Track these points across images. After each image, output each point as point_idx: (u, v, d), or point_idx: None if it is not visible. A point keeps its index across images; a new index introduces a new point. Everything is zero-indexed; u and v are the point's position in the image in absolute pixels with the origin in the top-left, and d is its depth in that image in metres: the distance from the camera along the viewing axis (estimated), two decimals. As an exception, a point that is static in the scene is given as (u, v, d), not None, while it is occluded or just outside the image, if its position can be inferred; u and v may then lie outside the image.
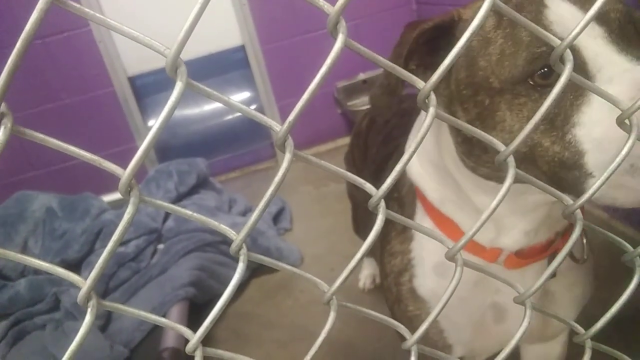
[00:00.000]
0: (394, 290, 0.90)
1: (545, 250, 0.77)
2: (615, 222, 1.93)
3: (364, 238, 1.44)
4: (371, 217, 1.17)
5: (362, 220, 1.35)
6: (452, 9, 0.67)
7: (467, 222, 0.77)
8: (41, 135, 0.34)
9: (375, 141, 1.34)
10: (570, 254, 0.78)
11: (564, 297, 0.86)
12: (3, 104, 0.32)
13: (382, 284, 0.95)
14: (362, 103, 2.98)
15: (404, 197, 0.86)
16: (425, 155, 0.79)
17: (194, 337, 0.40)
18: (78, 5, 0.34)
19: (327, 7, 0.35)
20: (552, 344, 1.04)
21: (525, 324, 0.50)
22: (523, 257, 0.77)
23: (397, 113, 1.37)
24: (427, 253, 0.84)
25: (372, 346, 1.66)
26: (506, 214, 0.71)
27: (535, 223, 0.73)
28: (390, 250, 0.89)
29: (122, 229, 0.35)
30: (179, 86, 0.34)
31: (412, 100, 1.43)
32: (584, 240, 0.78)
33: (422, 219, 0.82)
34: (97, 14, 0.35)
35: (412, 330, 0.83)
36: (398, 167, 0.41)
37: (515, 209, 0.71)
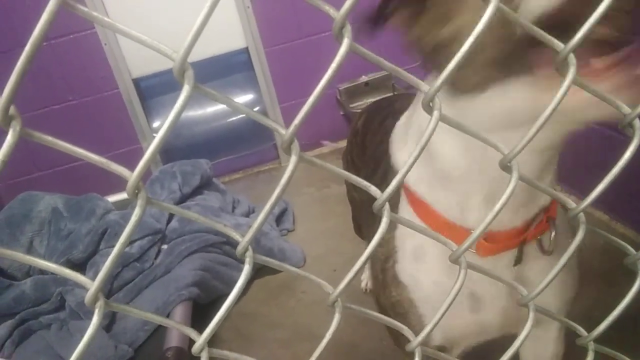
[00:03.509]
0: (380, 278, 0.91)
1: (518, 236, 0.76)
2: (616, 225, 1.92)
3: (365, 237, 1.43)
4: (371, 216, 1.17)
5: (362, 220, 1.36)
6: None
7: (440, 201, 0.75)
8: (50, 138, 0.35)
9: (373, 142, 1.35)
10: (540, 246, 0.78)
11: (539, 280, 0.86)
12: (12, 107, 0.32)
13: (371, 273, 0.96)
14: (364, 105, 2.99)
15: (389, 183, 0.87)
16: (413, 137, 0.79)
17: (200, 338, 0.40)
18: (86, 9, 0.34)
19: (332, 11, 0.36)
20: (546, 341, 1.04)
21: (528, 326, 0.51)
22: (494, 241, 0.75)
23: (390, 113, 1.39)
24: (406, 237, 0.85)
25: (375, 346, 1.66)
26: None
27: (523, 194, 0.71)
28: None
29: (130, 230, 0.35)
30: (186, 89, 0.35)
31: (404, 100, 1.43)
32: (552, 233, 0.78)
33: (405, 206, 0.82)
34: (105, 18, 0.35)
35: (395, 316, 0.83)
36: (403, 170, 0.42)
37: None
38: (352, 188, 1.64)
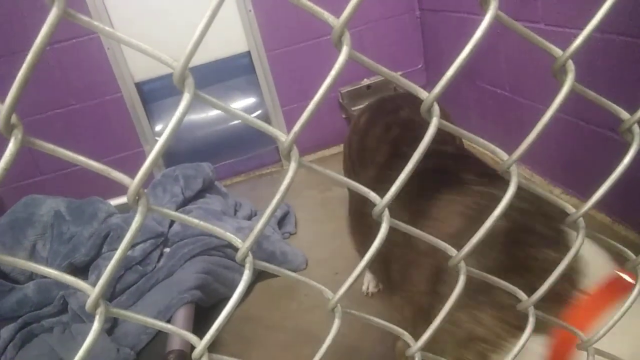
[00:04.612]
0: (425, 308, 0.94)
1: None
2: (618, 227, 1.92)
3: (358, 240, 1.39)
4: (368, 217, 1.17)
5: (359, 217, 1.25)
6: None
7: None
8: (51, 146, 0.35)
9: (381, 150, 1.32)
10: None
11: None
12: (14, 115, 0.33)
13: (411, 297, 0.98)
14: (367, 107, 2.99)
15: None
16: None
17: (200, 344, 0.41)
18: (87, 19, 0.35)
19: (331, 19, 0.36)
20: None
21: (528, 331, 0.51)
22: None
23: (396, 122, 1.36)
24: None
25: (376, 350, 1.66)
26: None
27: None
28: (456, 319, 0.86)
29: (130, 237, 0.36)
30: (186, 97, 0.35)
31: (409, 110, 1.43)
32: None
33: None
34: (107, 27, 0.36)
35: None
36: (403, 175, 0.42)
37: None
38: (350, 168, 1.52)
